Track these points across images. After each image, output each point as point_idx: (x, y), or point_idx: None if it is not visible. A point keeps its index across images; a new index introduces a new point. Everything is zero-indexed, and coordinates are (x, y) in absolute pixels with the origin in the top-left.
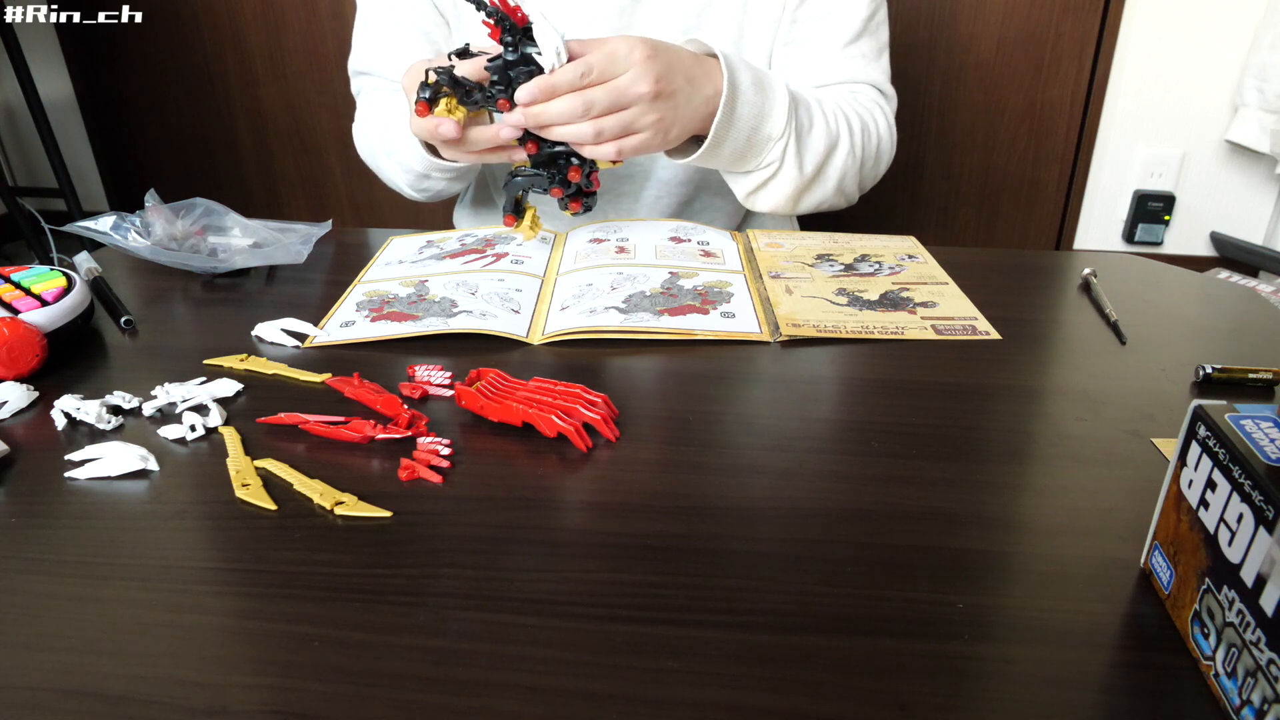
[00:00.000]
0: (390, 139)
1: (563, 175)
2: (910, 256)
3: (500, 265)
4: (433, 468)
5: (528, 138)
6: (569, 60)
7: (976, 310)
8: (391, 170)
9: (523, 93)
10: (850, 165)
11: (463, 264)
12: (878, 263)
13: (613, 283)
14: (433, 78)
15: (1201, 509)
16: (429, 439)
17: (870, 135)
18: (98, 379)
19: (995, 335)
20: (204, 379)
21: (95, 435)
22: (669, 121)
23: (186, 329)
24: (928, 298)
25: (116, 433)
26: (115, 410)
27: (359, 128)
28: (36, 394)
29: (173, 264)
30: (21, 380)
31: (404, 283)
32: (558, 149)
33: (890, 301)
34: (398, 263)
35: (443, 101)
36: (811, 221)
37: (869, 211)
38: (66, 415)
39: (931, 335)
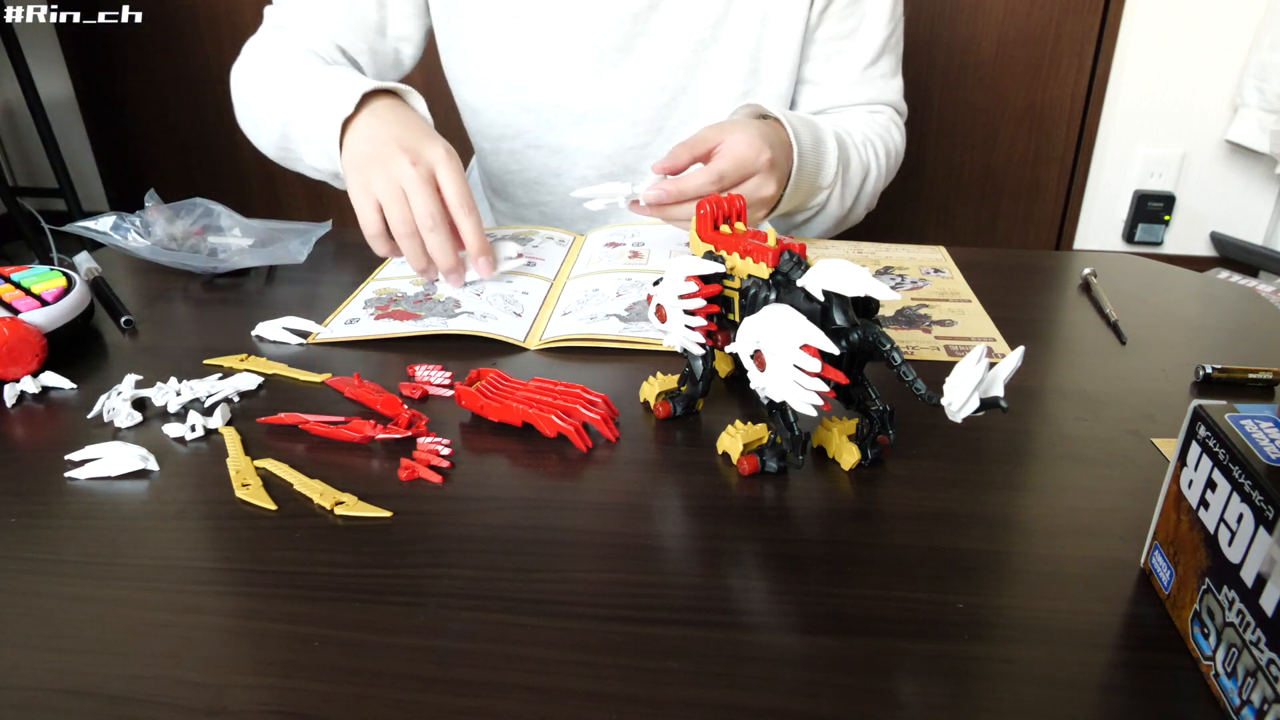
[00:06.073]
0: (299, 107)
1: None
2: (936, 270)
3: (512, 265)
4: (433, 468)
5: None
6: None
7: (996, 331)
8: (269, 127)
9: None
10: (878, 187)
11: None
12: (900, 276)
13: (619, 289)
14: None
15: (1201, 509)
16: (429, 439)
17: (892, 155)
18: (98, 379)
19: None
20: (221, 374)
21: (95, 435)
22: (775, 196)
23: (186, 329)
24: (946, 315)
25: (122, 431)
26: (140, 405)
27: (257, 64)
28: (37, 393)
29: (173, 264)
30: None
31: (415, 280)
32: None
33: (905, 319)
34: None
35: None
36: None
37: (869, 213)
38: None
39: (943, 356)
